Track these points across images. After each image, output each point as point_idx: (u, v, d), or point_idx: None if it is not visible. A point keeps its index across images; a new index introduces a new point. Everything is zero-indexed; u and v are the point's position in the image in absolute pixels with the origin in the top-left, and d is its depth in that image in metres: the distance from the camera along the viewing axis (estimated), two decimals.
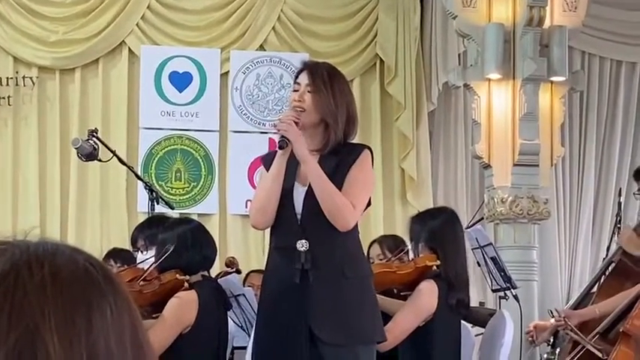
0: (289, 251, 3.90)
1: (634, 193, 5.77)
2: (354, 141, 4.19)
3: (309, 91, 3.97)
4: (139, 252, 5.02)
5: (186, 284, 4.53)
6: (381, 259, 5.28)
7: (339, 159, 3.97)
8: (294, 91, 4.02)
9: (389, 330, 4.46)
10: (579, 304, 5.38)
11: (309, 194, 3.94)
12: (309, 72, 4.03)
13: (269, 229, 4.15)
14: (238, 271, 6.17)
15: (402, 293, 4.79)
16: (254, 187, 7.74)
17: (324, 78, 4.01)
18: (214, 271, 5.59)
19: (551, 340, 5.13)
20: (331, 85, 4.01)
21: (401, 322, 4.55)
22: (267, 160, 4.11)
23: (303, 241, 3.89)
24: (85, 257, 0.97)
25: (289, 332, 3.89)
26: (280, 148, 3.90)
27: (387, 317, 4.55)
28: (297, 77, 4.08)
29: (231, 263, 6.27)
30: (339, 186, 3.92)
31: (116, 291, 0.97)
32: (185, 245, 4.54)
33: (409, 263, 4.73)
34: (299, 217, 3.94)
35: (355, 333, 3.96)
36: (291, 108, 3.98)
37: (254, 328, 4.23)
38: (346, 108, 4.03)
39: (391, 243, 5.50)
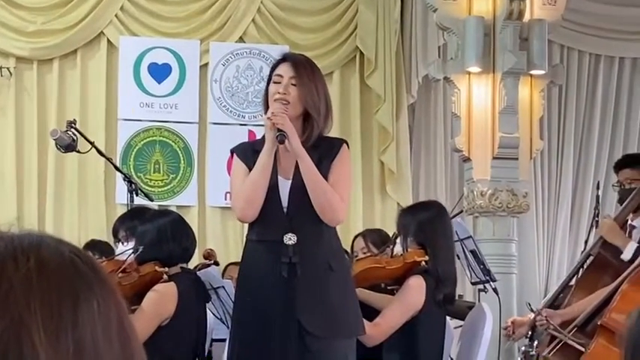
0: (275, 245, 3.87)
1: (613, 185, 5.79)
2: (331, 134, 4.18)
3: (293, 84, 3.94)
4: (120, 243, 5.00)
5: (165, 276, 4.52)
6: (365, 253, 5.27)
7: (319, 153, 3.96)
8: (276, 82, 3.97)
9: (377, 325, 4.46)
10: (557, 297, 5.40)
11: (295, 188, 3.92)
12: (293, 64, 3.99)
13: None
14: (216, 263, 6.15)
15: (389, 287, 4.79)
16: None
17: (307, 70, 3.99)
18: (192, 262, 5.57)
19: (529, 333, 5.14)
20: (314, 77, 4.00)
21: (389, 318, 4.54)
22: (240, 151, 4.07)
23: (291, 234, 3.86)
24: (71, 249, 0.96)
25: (277, 325, 3.86)
26: (281, 142, 3.84)
27: (372, 311, 4.54)
28: (275, 69, 4.03)
29: (209, 255, 6.25)
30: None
31: (102, 283, 0.96)
32: (165, 237, 4.54)
33: (398, 258, 4.70)
34: (285, 210, 3.92)
35: (342, 326, 3.95)
36: (274, 100, 3.94)
37: (231, 320, 4.20)
38: (325, 101, 4.03)
39: (375, 237, 5.50)
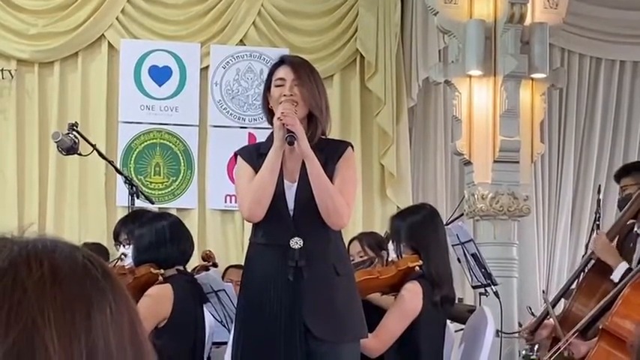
0: (282, 248, 3.86)
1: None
2: (331, 136, 4.18)
3: (296, 85, 3.94)
4: (122, 246, 5.00)
5: (160, 278, 4.53)
6: (361, 256, 5.26)
7: (325, 155, 3.95)
8: (278, 86, 3.96)
9: (377, 336, 4.45)
10: (558, 301, 5.39)
11: (300, 191, 3.91)
12: (293, 66, 3.99)
13: (249, 225, 4.12)
14: (215, 265, 6.16)
15: (390, 295, 4.77)
16: (233, 182, 7.73)
17: (307, 71, 4.00)
18: (191, 264, 5.58)
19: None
20: (314, 77, 4.01)
21: (389, 328, 4.53)
22: (245, 154, 4.05)
23: (297, 238, 3.86)
24: (85, 254, 0.96)
25: (282, 328, 3.85)
26: (290, 144, 3.82)
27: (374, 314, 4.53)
28: (273, 72, 4.02)
29: (207, 257, 6.26)
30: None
31: (115, 289, 0.95)
32: (163, 240, 4.55)
33: (391, 267, 4.69)
34: (291, 213, 3.91)
35: (348, 330, 3.95)
36: (280, 102, 3.92)
37: (234, 323, 4.19)
38: (325, 99, 4.03)
39: (371, 240, 5.47)
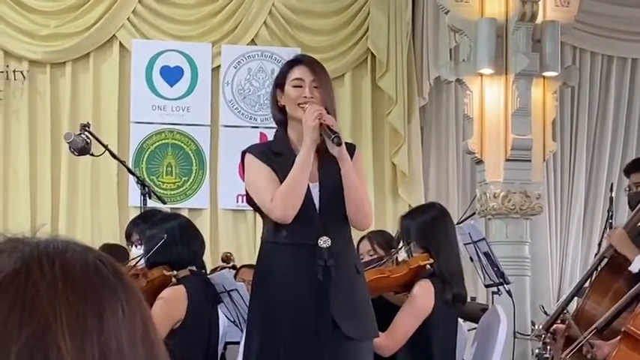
0: (309, 248, 3.82)
1: (624, 189, 5.76)
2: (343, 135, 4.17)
3: (315, 87, 3.90)
4: (134, 246, 5.00)
5: (173, 279, 4.52)
6: (371, 255, 5.25)
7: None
8: (297, 87, 3.91)
9: (390, 335, 4.45)
10: (571, 300, 5.37)
11: (324, 190, 3.88)
12: (311, 66, 3.94)
13: (260, 225, 4.10)
14: (234, 267, 6.18)
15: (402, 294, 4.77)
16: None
17: (323, 72, 3.98)
18: (208, 266, 5.58)
19: (543, 336, 5.10)
20: (329, 78, 4.00)
21: (401, 326, 4.52)
22: (258, 152, 3.97)
23: (325, 237, 3.83)
24: (96, 255, 0.96)
25: (310, 328, 3.81)
26: (339, 144, 3.79)
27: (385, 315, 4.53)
28: (288, 71, 3.96)
29: (227, 259, 6.29)
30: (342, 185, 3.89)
31: (127, 289, 0.96)
32: (174, 241, 4.54)
33: (402, 266, 4.68)
34: (318, 213, 3.90)
35: (368, 327, 3.95)
36: (300, 104, 3.87)
37: (247, 322, 4.14)
38: (335, 101, 4.03)
39: (380, 239, 5.47)
